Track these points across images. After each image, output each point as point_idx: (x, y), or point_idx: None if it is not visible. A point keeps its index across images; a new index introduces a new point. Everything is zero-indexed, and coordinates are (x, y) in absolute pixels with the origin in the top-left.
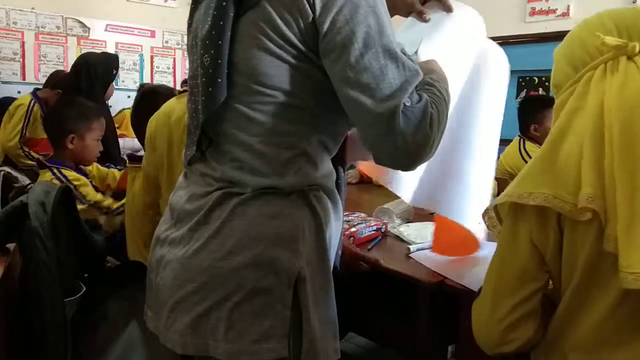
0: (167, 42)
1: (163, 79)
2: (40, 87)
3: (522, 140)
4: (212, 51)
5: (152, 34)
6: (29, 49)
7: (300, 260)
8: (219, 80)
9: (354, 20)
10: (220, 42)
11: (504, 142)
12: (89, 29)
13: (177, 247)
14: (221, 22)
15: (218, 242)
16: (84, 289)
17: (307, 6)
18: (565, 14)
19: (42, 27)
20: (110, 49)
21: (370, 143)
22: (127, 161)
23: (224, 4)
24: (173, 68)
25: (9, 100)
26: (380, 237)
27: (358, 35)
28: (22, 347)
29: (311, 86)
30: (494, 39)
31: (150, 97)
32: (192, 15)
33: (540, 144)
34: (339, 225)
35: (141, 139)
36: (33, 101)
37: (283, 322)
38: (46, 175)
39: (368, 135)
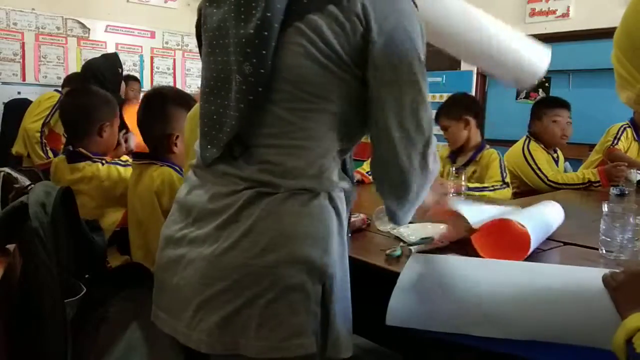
0: (167, 42)
1: (163, 80)
2: (41, 87)
3: (528, 139)
4: (255, 60)
5: (152, 35)
6: (29, 50)
7: (329, 258)
8: (260, 89)
9: (403, 48)
10: (264, 51)
11: (506, 143)
12: (89, 29)
13: (201, 245)
14: (265, 33)
15: (251, 240)
16: (85, 289)
17: (358, 21)
18: (565, 15)
19: (42, 27)
20: (110, 50)
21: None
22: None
23: (269, 14)
24: (173, 69)
25: (18, 102)
26: None
27: (405, 69)
28: (22, 348)
29: (348, 95)
30: None
31: (158, 99)
32: (204, 15)
33: (541, 142)
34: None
35: (147, 141)
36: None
37: (314, 318)
38: (94, 167)
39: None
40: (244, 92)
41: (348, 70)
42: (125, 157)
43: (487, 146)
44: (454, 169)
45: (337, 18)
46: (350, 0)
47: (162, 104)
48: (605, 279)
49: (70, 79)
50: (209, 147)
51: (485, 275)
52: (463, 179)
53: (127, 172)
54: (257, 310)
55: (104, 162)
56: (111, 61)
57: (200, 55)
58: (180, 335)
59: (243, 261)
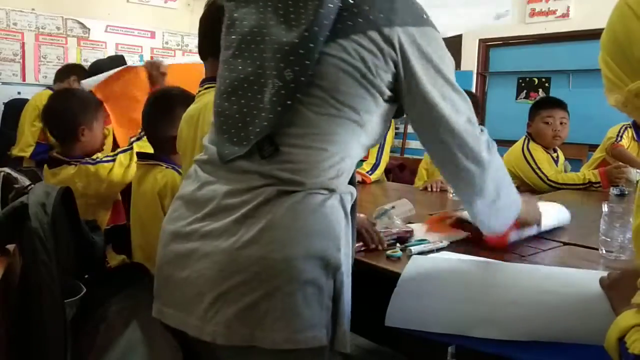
0: (167, 43)
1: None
2: (41, 87)
3: (527, 139)
4: (297, 68)
5: (152, 35)
6: (29, 50)
7: (339, 255)
8: (299, 95)
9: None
10: (307, 62)
11: (506, 143)
12: (89, 29)
13: (217, 239)
14: (312, 45)
15: (271, 235)
16: (84, 289)
17: (393, 50)
18: (565, 15)
19: (42, 28)
20: (110, 50)
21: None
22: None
23: (316, 29)
24: None
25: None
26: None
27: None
28: (22, 348)
29: (375, 111)
30: (494, 39)
31: (166, 100)
32: (232, 17)
33: (536, 142)
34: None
35: (152, 141)
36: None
37: (326, 312)
38: (69, 170)
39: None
40: (282, 97)
41: (379, 90)
42: (101, 155)
43: None
44: None
45: (377, 43)
46: (391, 30)
47: (169, 105)
48: (601, 278)
49: (61, 72)
50: (228, 144)
51: (484, 277)
52: None
53: (104, 169)
54: (275, 303)
55: (77, 163)
56: (117, 63)
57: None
58: (191, 329)
59: (264, 255)
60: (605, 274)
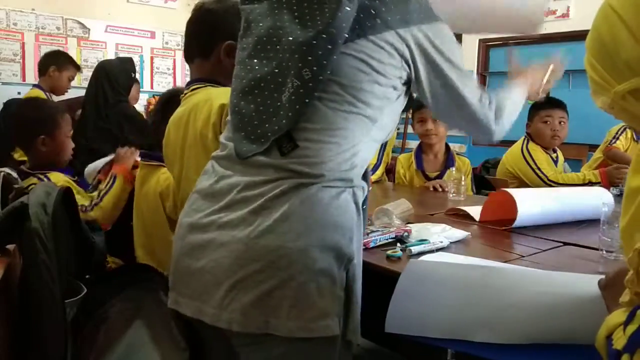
0: (167, 43)
1: (163, 80)
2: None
3: (526, 139)
4: (315, 68)
5: (152, 35)
6: (29, 50)
7: (352, 247)
8: (316, 93)
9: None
10: (325, 62)
11: (506, 143)
12: (89, 30)
13: (234, 229)
14: (330, 47)
15: (287, 225)
16: (85, 290)
17: (407, 50)
18: (565, 15)
19: (42, 28)
20: (110, 50)
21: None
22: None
23: (333, 30)
24: (173, 69)
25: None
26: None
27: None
28: (23, 348)
29: (386, 106)
30: (494, 39)
31: (175, 103)
32: (248, 18)
33: (536, 142)
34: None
35: (159, 143)
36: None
37: (338, 302)
38: (32, 181)
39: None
40: (301, 95)
41: (393, 86)
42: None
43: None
44: (454, 169)
45: (393, 44)
46: (406, 31)
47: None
48: (599, 280)
49: (39, 65)
50: (245, 142)
51: (481, 281)
52: (463, 179)
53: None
54: (290, 291)
55: (37, 175)
56: (126, 65)
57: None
58: (207, 317)
59: (280, 244)
60: (603, 277)
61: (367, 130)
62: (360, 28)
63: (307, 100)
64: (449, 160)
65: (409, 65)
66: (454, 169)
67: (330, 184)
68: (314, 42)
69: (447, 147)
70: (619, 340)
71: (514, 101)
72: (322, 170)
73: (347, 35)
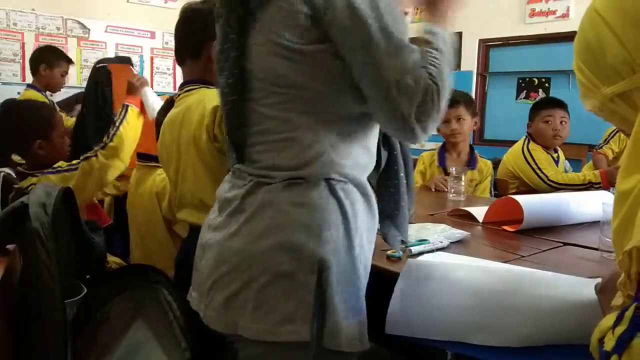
0: (167, 43)
1: (163, 80)
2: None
3: (527, 139)
4: (226, 72)
5: (152, 35)
6: (29, 50)
7: (324, 248)
8: (235, 97)
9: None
10: (227, 63)
11: (506, 143)
12: (89, 30)
13: (219, 231)
14: (227, 46)
15: (249, 227)
16: (85, 290)
17: (303, 5)
18: (565, 15)
19: (42, 28)
20: (110, 50)
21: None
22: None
23: (227, 28)
24: (173, 69)
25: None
26: None
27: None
28: (23, 349)
29: (320, 76)
30: (494, 39)
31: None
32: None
33: (537, 142)
34: (374, 221)
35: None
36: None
37: (305, 306)
38: (31, 181)
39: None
40: (227, 101)
41: (309, 54)
42: (64, 164)
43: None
44: (454, 170)
45: (282, 8)
46: None
47: None
48: (596, 284)
49: (30, 62)
50: (229, 150)
51: (479, 283)
52: (462, 179)
53: (66, 178)
54: (252, 293)
55: (39, 175)
56: (124, 63)
57: None
58: (201, 312)
59: (242, 246)
60: (599, 279)
61: (315, 111)
62: (253, 8)
63: (230, 107)
64: (471, 160)
65: (314, 21)
66: (454, 169)
67: (294, 180)
68: (220, 47)
69: (471, 147)
70: (609, 342)
71: (448, 61)
72: (278, 169)
73: (239, 26)
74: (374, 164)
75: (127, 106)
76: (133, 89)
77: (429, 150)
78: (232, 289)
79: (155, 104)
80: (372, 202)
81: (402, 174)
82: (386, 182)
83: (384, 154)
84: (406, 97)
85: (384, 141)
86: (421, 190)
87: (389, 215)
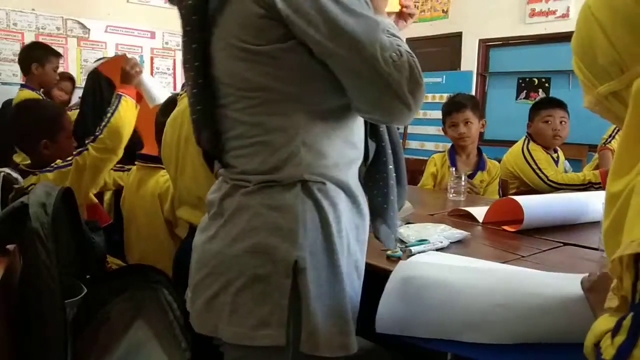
0: (167, 43)
1: (163, 80)
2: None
3: (527, 139)
4: (191, 82)
5: (152, 35)
6: None
7: (298, 251)
8: (200, 107)
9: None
10: (192, 73)
11: (506, 143)
12: (89, 30)
13: (202, 233)
14: (189, 56)
15: (226, 230)
16: (85, 290)
17: (257, 5)
18: (565, 15)
19: (42, 28)
20: (110, 50)
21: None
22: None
23: (188, 28)
24: (173, 69)
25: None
26: None
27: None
28: (23, 349)
29: (283, 76)
30: (494, 39)
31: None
32: None
33: (537, 142)
34: (362, 220)
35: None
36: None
37: (280, 310)
38: (32, 180)
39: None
40: (194, 110)
41: (267, 54)
42: (59, 161)
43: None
44: (454, 170)
45: (235, 10)
46: None
47: None
48: (582, 279)
49: (19, 62)
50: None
51: (469, 281)
52: (463, 179)
53: (62, 174)
54: (230, 297)
55: (38, 173)
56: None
57: None
58: (191, 312)
59: (219, 249)
60: (585, 275)
61: (285, 112)
62: (211, 13)
63: (198, 115)
64: (480, 162)
65: (271, 19)
66: (453, 169)
67: (268, 183)
68: (188, 56)
69: (479, 149)
70: (608, 350)
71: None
72: (251, 173)
73: (199, 31)
74: (361, 158)
75: (120, 96)
76: (126, 77)
77: (438, 152)
78: (211, 292)
79: (154, 89)
80: (358, 201)
81: (391, 166)
82: (375, 175)
83: (372, 146)
84: (396, 70)
85: (372, 133)
86: (421, 190)
87: (379, 210)
